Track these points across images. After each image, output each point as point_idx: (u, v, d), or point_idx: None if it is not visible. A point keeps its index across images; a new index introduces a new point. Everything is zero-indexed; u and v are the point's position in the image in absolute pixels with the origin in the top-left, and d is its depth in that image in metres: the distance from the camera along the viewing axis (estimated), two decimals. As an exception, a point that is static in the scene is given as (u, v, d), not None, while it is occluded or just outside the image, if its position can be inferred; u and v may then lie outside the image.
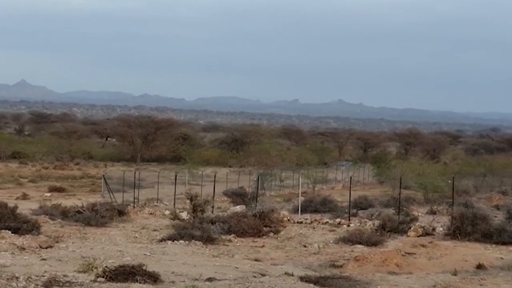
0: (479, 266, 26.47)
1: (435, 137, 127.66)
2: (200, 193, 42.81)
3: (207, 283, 20.79)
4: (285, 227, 37.79)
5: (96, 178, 65.80)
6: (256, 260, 28.21)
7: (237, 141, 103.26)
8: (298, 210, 43.84)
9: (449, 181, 45.55)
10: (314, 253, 30.89)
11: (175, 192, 47.68)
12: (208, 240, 32.15)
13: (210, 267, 24.50)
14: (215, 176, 49.97)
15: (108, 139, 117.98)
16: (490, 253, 30.39)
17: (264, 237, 35.06)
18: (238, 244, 32.91)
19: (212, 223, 34.97)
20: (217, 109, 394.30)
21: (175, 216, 39.90)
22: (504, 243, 32.73)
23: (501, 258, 29.00)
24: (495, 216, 39.74)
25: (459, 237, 34.02)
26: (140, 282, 19.87)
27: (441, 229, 36.32)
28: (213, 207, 43.51)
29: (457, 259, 28.04)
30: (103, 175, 52.69)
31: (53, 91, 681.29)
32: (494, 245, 32.73)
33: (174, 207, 45.14)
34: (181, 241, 31.77)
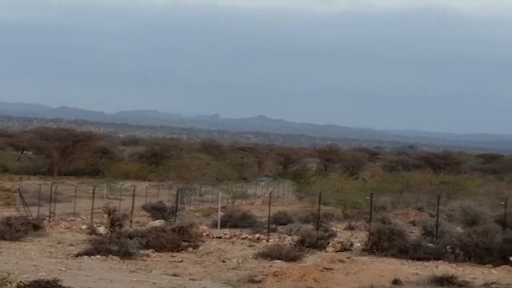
0: (395, 281, 26.75)
1: (354, 154, 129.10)
2: (119, 207, 42.37)
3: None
4: (204, 242, 37.64)
5: (11, 192, 64.56)
6: (174, 275, 28.00)
7: (157, 155, 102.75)
8: (217, 225, 43.76)
9: (367, 198, 46.08)
10: (233, 268, 30.79)
11: (92, 206, 47.08)
12: (125, 255, 31.81)
13: (127, 283, 24.23)
14: (134, 190, 49.57)
15: (24, 152, 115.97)
16: (406, 269, 30.76)
17: (183, 252, 34.86)
18: (156, 259, 32.64)
19: (130, 238, 34.56)
20: (137, 122, 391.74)
21: (92, 231, 39.42)
22: (419, 259, 33.17)
23: (417, 273, 29.35)
24: (412, 232, 40.29)
25: (376, 253, 34.38)
26: (55, 298, 19.50)
27: (358, 244, 36.64)
28: (131, 221, 43.14)
29: (374, 274, 28.30)
30: (19, 189, 51.79)
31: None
32: (410, 260, 33.14)
33: (92, 221, 44.55)
34: (98, 256, 31.39)
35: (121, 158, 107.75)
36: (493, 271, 30.91)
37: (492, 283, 26.89)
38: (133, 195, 48.42)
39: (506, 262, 32.22)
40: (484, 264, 32.35)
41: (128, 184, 66.47)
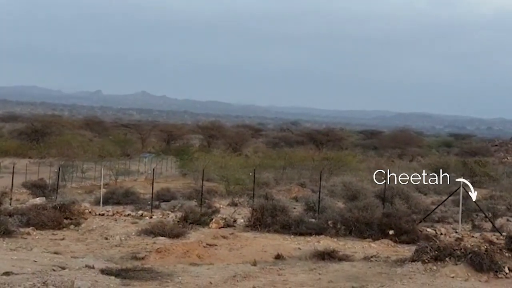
0: (278, 257, 27.08)
1: (238, 130, 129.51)
2: (-2, 185, 41.44)
3: (4, 277, 20.10)
4: (86, 219, 37.20)
5: None
6: (55, 253, 27.57)
7: (38, 132, 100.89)
8: (100, 202, 43.27)
9: (250, 174, 46.46)
10: (116, 246, 30.56)
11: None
12: (5, 233, 31.15)
13: (7, 261, 23.71)
14: (13, 167, 48.53)
15: None
16: (289, 244, 31.13)
17: (64, 229, 34.38)
18: (37, 237, 32.10)
19: (10, 216, 33.89)
20: (16, 98, 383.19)
21: (-31, 209, 38.41)
22: (301, 234, 33.60)
23: (299, 248, 29.75)
24: (294, 208, 40.79)
25: (259, 229, 34.65)
26: None
27: (242, 220, 36.87)
28: (11, 199, 42.33)
29: (257, 250, 28.57)
30: None
31: None
32: (292, 236, 33.52)
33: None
34: (-24, 235, 30.63)
35: (0, 135, 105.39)
36: (372, 244, 31.61)
37: (371, 256, 27.50)
38: (13, 172, 47.39)
39: (385, 236, 32.99)
40: (364, 238, 33.02)
41: (7, 161, 65.01)
